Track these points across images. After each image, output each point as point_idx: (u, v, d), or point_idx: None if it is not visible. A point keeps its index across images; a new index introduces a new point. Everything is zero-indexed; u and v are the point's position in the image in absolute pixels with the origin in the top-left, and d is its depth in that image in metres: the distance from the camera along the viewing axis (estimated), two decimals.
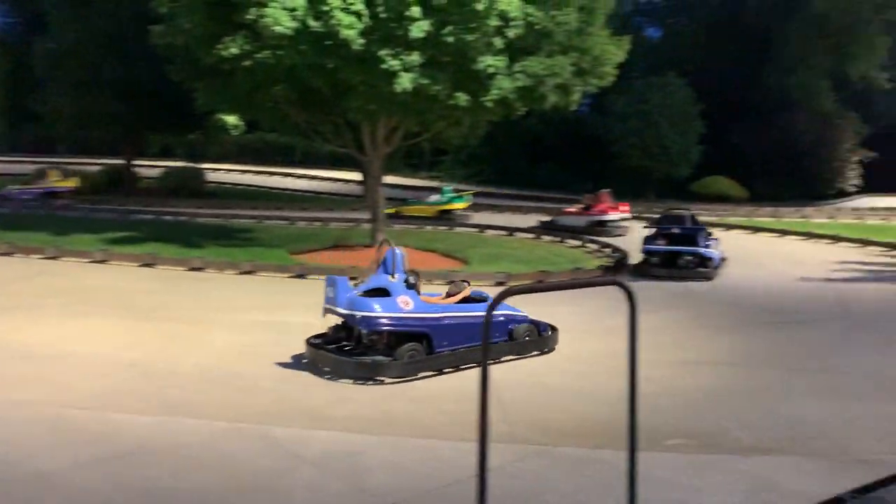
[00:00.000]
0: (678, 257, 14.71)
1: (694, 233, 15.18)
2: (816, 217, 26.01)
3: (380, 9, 12.83)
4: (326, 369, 7.75)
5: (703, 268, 14.61)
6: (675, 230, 15.32)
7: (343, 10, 12.66)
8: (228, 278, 13.23)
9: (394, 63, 13.21)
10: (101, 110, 28.63)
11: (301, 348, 8.20)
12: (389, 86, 13.52)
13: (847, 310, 11.95)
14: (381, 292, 7.80)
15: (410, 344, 7.72)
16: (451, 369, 7.93)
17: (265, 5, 12.68)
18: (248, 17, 12.88)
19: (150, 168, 35.77)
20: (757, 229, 22.38)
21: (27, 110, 48.00)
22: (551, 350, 8.90)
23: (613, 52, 16.24)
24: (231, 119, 48.26)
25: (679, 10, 44.04)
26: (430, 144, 30.94)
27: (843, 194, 32.92)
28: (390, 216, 19.74)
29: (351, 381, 7.48)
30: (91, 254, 14.20)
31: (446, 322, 8.02)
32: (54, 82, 29.79)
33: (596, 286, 9.97)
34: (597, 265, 15.88)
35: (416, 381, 7.59)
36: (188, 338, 9.06)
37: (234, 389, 7.26)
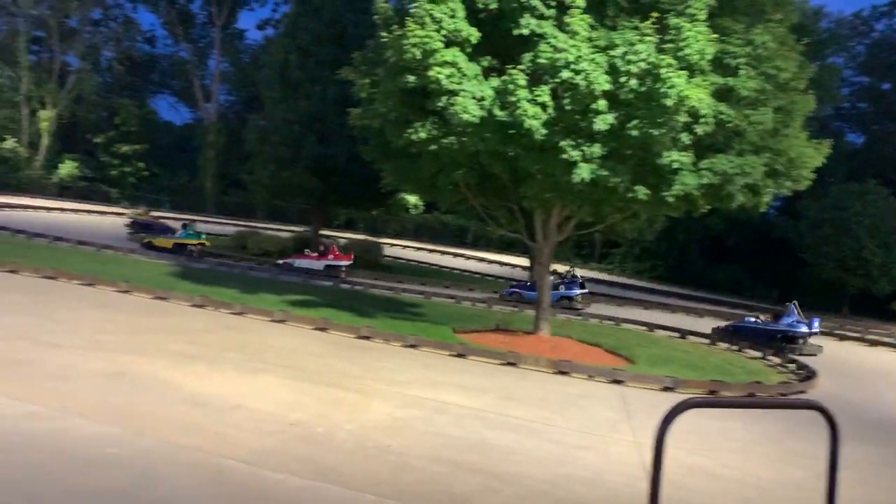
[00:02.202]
0: None
1: None
2: None
3: (566, 101, 12.98)
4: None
5: None
6: None
7: (530, 101, 12.94)
8: (393, 350, 13.51)
9: (574, 154, 13.25)
10: (298, 183, 31.08)
11: (454, 429, 8.06)
12: (567, 175, 13.54)
13: None
14: None
15: None
16: None
17: (456, 94, 13.26)
18: (439, 104, 13.51)
19: (334, 238, 37.95)
20: None
21: (235, 179, 53.51)
22: None
23: (811, 155, 15.30)
24: (412, 199, 50.78)
25: (886, 116, 41.19)
26: (602, 235, 30.55)
27: None
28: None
29: None
30: (272, 313, 15.13)
31: None
32: (260, 156, 32.86)
33: (792, 409, 9.03)
34: (777, 381, 14.56)
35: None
36: (349, 405, 9.23)
37: (385, 464, 7.23)
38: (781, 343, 19.52)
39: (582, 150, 13.22)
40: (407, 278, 28.12)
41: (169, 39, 61.45)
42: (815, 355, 18.70)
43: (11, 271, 16.76)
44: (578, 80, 12.70)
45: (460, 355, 13.47)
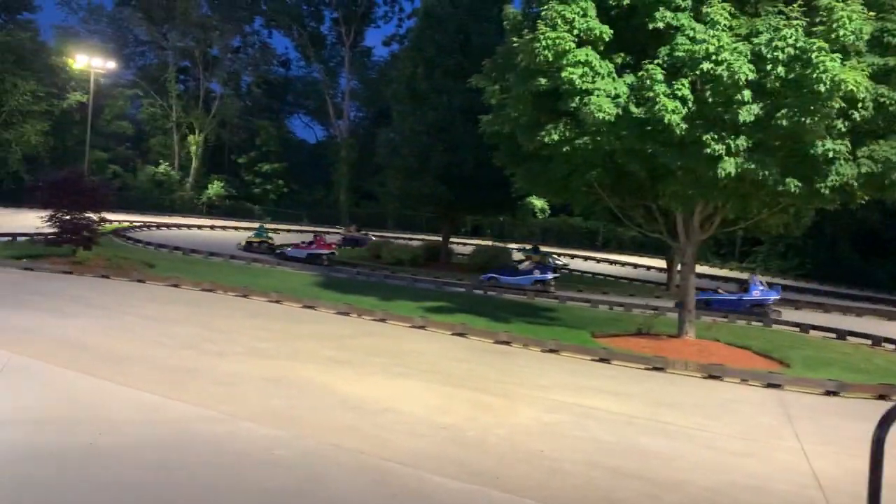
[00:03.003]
0: None
1: None
2: None
3: (707, 93, 12.47)
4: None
5: None
6: None
7: (668, 95, 12.53)
8: (533, 355, 13.43)
9: (717, 147, 12.68)
10: (427, 192, 31.68)
11: (605, 434, 7.88)
12: (711, 171, 12.99)
13: None
14: None
15: None
16: None
17: (590, 93, 13.05)
18: (572, 105, 13.34)
19: (461, 245, 38.39)
20: None
21: (366, 191, 55.32)
22: None
23: None
24: (539, 203, 50.62)
25: None
26: (744, 232, 29.08)
27: None
28: None
29: None
30: (412, 319, 15.46)
31: None
32: (391, 168, 33.78)
33: None
34: None
35: None
36: (496, 409, 9.25)
37: (540, 468, 7.17)
38: (752, 310, 22.18)
39: (726, 144, 12.62)
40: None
41: (302, 62, 64.75)
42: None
43: (174, 285, 18.10)
44: (720, 70, 12.15)
45: (603, 360, 13.19)
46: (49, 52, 50.00)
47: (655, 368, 12.78)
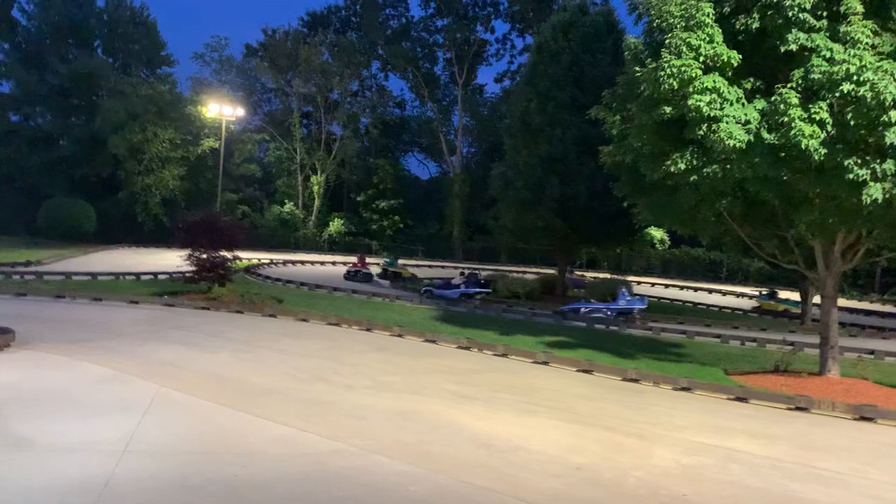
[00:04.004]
0: None
1: None
2: None
3: (848, 116, 11.73)
4: None
5: None
6: None
7: (804, 119, 11.89)
8: (664, 393, 12.89)
9: (861, 172, 11.85)
10: (542, 224, 31.42)
11: (751, 480, 7.40)
12: (854, 197, 12.16)
13: None
14: None
15: None
16: None
17: (718, 120, 12.59)
18: (699, 132, 12.91)
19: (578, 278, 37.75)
20: None
21: (479, 225, 55.73)
22: None
23: None
24: (658, 234, 49.22)
25: None
26: (886, 263, 27.03)
27: None
28: None
29: None
30: (535, 354, 15.23)
31: None
32: (505, 201, 33.80)
33: None
34: None
35: None
36: (630, 450, 8.90)
37: None
38: (620, 318, 24.69)
39: (872, 168, 11.79)
40: (662, 317, 26.96)
41: (416, 101, 66.46)
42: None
43: (303, 320, 18.75)
44: (863, 91, 11.41)
45: (740, 399, 12.47)
46: (185, 102, 53.77)
47: (798, 409, 11.96)
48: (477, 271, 36.30)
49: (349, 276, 35.92)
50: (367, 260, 39.26)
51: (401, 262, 41.00)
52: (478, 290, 30.54)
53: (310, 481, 7.07)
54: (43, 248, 38.99)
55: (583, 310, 25.90)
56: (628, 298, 26.21)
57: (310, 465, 7.57)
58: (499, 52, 62.72)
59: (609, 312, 25.43)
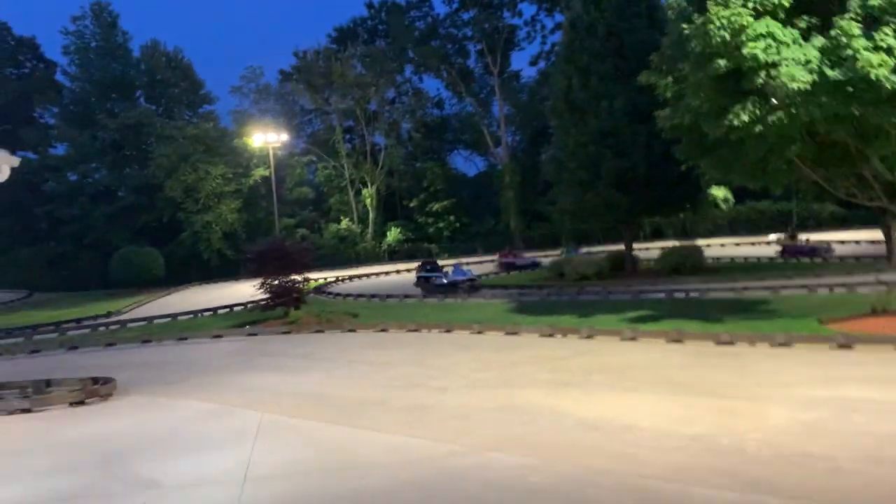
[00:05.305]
0: None
1: None
2: None
3: None
4: None
5: None
6: None
7: (870, 49, 11.40)
8: (763, 351, 12.51)
9: None
10: (602, 202, 30.86)
11: (880, 426, 7.11)
12: None
13: None
14: None
15: None
16: None
17: (777, 65, 12.18)
18: (759, 81, 12.51)
19: (643, 251, 37.09)
20: None
21: (535, 212, 55.32)
22: None
23: None
24: (720, 193, 47.96)
25: None
26: None
27: None
28: None
29: None
30: (621, 332, 15.01)
31: None
32: (560, 184, 33.32)
33: None
34: None
35: None
36: (743, 413, 8.67)
37: (816, 470, 6.59)
38: (448, 288, 29.74)
39: None
40: (740, 276, 26.22)
41: (454, 98, 66.41)
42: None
43: (382, 330, 18.92)
44: None
45: (843, 346, 12.01)
46: (230, 136, 55.08)
47: None
48: (458, 264, 37.21)
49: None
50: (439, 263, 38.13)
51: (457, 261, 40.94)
52: (464, 279, 31.72)
53: (431, 485, 7.10)
54: (119, 297, 40.46)
55: (433, 279, 31.87)
56: (455, 271, 32.40)
57: (427, 469, 7.59)
58: (530, 35, 62.11)
59: (445, 281, 31.16)
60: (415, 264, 40.69)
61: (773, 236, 39.42)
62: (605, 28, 30.12)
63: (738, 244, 41.48)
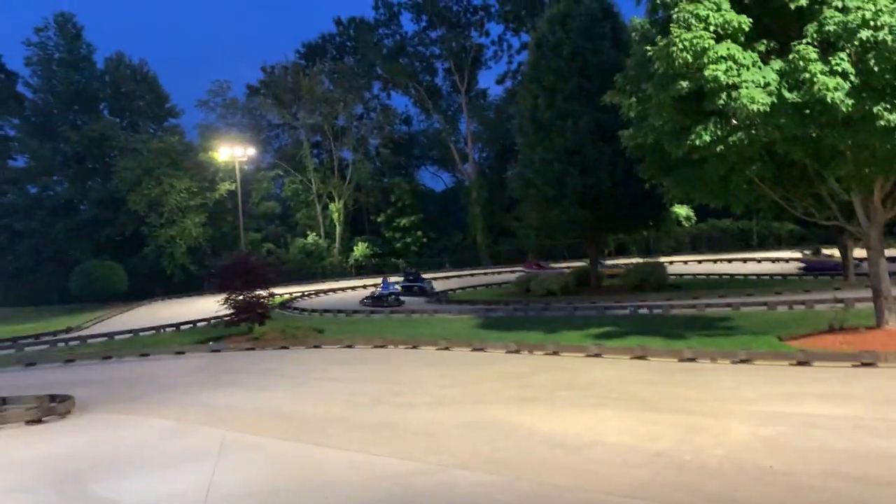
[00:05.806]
0: None
1: None
2: None
3: (871, 62, 11.55)
4: None
5: None
6: None
7: (826, 73, 11.74)
8: (724, 368, 12.72)
9: (892, 118, 11.69)
10: (566, 218, 31.19)
11: (837, 442, 7.26)
12: (888, 143, 11.99)
13: None
14: None
15: None
16: None
17: (737, 87, 12.46)
18: (719, 102, 12.78)
19: (608, 267, 37.52)
20: None
21: (502, 228, 55.56)
22: None
23: None
24: (683, 211, 48.74)
25: None
26: None
27: None
28: None
29: None
30: (586, 348, 15.13)
31: None
32: (526, 200, 33.65)
33: None
34: None
35: None
36: (706, 429, 8.78)
37: (777, 486, 6.69)
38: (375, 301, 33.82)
39: None
40: (702, 293, 26.69)
41: (422, 115, 66.69)
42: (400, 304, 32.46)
43: (348, 346, 18.82)
44: (882, 35, 11.28)
45: (803, 363, 12.27)
46: (196, 150, 54.39)
47: (865, 364, 11.74)
48: (385, 279, 39.64)
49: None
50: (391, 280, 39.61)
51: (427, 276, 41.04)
52: (387, 293, 34.88)
53: (397, 503, 7.05)
54: (79, 312, 39.57)
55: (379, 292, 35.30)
56: (383, 286, 35.93)
57: (392, 487, 7.54)
58: (496, 54, 62.75)
59: (380, 294, 34.81)
60: (379, 280, 40.62)
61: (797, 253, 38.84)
62: (571, 48, 30.59)
63: (700, 261, 42.22)
